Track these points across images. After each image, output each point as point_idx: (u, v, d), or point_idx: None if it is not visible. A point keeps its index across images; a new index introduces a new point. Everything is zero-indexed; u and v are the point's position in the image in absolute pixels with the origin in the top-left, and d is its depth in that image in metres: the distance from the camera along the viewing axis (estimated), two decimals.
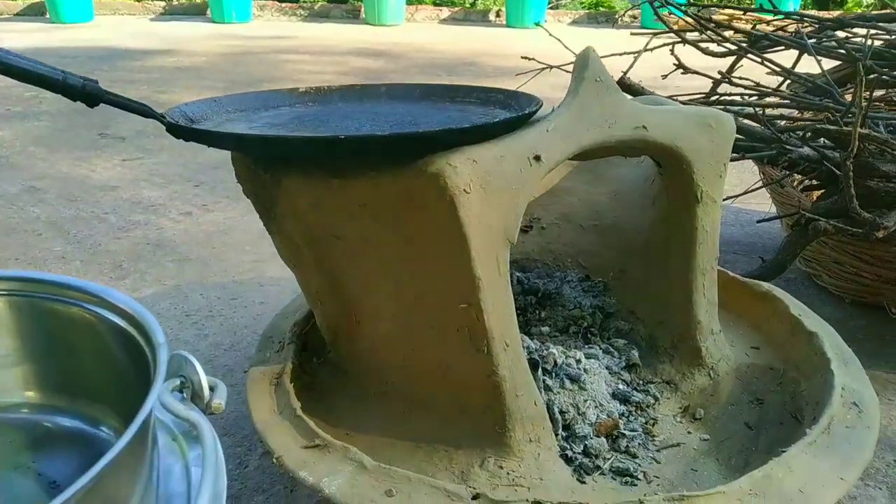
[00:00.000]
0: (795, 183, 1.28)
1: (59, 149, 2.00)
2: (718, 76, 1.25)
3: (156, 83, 2.95)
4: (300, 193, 0.63)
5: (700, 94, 1.29)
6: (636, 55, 1.27)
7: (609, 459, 0.65)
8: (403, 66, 3.65)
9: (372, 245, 0.64)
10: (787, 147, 1.03)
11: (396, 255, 0.63)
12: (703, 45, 1.26)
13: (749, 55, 1.21)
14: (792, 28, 1.29)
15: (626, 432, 0.68)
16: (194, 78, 3.12)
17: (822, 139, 1.09)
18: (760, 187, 1.26)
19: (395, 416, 0.69)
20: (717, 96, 1.28)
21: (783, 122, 1.17)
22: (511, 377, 0.61)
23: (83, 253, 1.33)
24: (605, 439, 0.67)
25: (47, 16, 5.24)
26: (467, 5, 6.36)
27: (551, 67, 1.34)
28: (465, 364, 0.62)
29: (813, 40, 1.16)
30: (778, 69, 1.17)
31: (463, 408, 0.64)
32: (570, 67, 1.29)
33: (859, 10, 6.16)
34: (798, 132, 1.10)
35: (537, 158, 0.61)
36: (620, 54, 1.27)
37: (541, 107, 0.67)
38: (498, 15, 5.95)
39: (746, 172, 1.62)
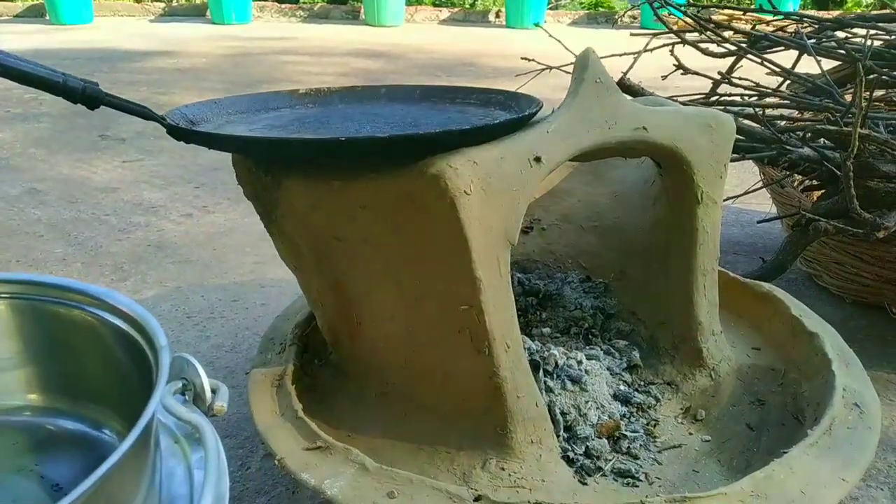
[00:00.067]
0: (796, 183, 1.28)
1: (60, 150, 2.01)
2: (718, 77, 1.25)
3: (155, 84, 2.95)
4: (301, 195, 0.63)
5: (700, 94, 1.29)
6: (636, 56, 1.27)
7: (610, 461, 0.66)
8: (403, 66, 3.65)
9: (373, 246, 0.64)
10: (788, 147, 1.03)
11: (397, 256, 0.63)
12: (702, 45, 1.26)
13: (749, 55, 1.21)
14: (791, 28, 1.29)
15: (628, 433, 0.68)
16: (194, 79, 3.12)
17: (822, 139, 1.09)
18: (761, 188, 1.26)
19: (396, 417, 0.69)
20: (716, 97, 1.28)
21: (783, 123, 1.17)
22: (512, 378, 0.61)
23: (84, 255, 1.33)
24: (606, 440, 0.67)
25: (47, 17, 5.24)
26: (467, 6, 6.36)
27: (551, 68, 1.34)
28: (466, 365, 0.62)
29: (813, 41, 1.16)
30: (778, 69, 1.17)
31: (464, 409, 0.64)
32: (570, 68, 1.30)
33: (858, 10, 6.16)
34: (798, 132, 1.10)
35: (538, 160, 0.61)
36: (620, 55, 1.27)
37: (541, 108, 0.67)
38: (497, 16, 5.95)
39: (747, 173, 1.62)
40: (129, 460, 0.29)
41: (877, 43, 1.15)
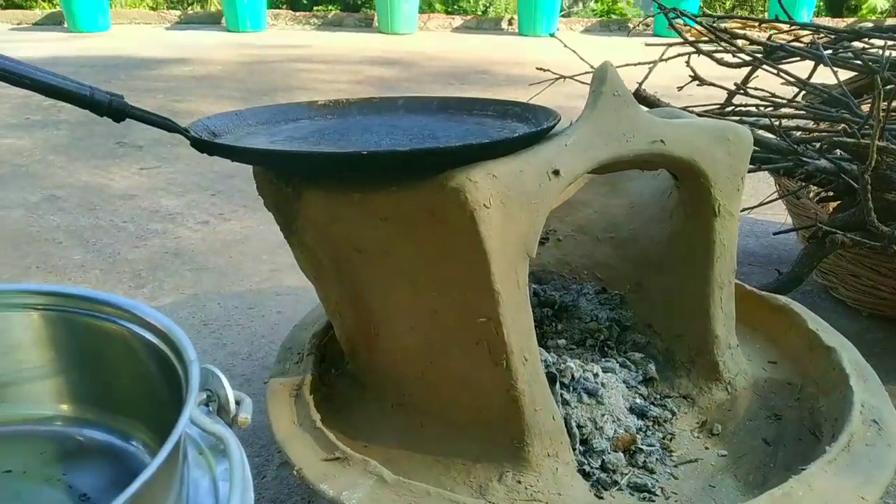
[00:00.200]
0: (811, 194, 1.28)
1: (78, 157, 2.03)
2: (733, 87, 1.25)
3: (172, 92, 2.98)
4: (321, 207, 0.64)
5: (714, 104, 1.29)
6: (651, 66, 1.28)
7: (627, 475, 0.66)
8: (416, 74, 3.66)
9: (392, 258, 0.64)
10: (804, 159, 1.03)
11: (416, 268, 0.63)
12: (717, 55, 1.26)
13: (764, 66, 1.21)
14: (807, 39, 1.29)
15: (644, 447, 0.68)
16: (210, 87, 3.15)
17: (838, 151, 1.09)
18: (776, 199, 1.26)
19: (412, 428, 0.69)
20: (732, 107, 1.28)
21: (799, 133, 1.17)
22: (530, 391, 0.61)
23: (102, 262, 1.35)
24: (622, 454, 0.67)
25: (65, 25, 5.32)
26: (479, 13, 6.39)
27: (565, 78, 1.34)
28: (483, 378, 0.63)
29: (829, 51, 1.16)
30: (794, 80, 1.17)
31: (481, 421, 0.65)
32: (584, 78, 1.30)
33: (873, 17, 6.13)
34: (814, 144, 1.10)
35: (556, 173, 0.61)
36: (635, 64, 1.28)
37: (559, 121, 0.67)
38: (510, 23, 5.97)
39: (762, 183, 1.61)
40: (161, 474, 0.30)
41: (895, 54, 1.15)
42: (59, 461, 0.45)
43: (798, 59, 1.21)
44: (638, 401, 0.73)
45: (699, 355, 0.77)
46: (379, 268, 0.66)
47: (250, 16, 5.42)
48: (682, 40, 1.27)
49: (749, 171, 0.83)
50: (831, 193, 1.22)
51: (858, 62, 1.12)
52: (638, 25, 5.17)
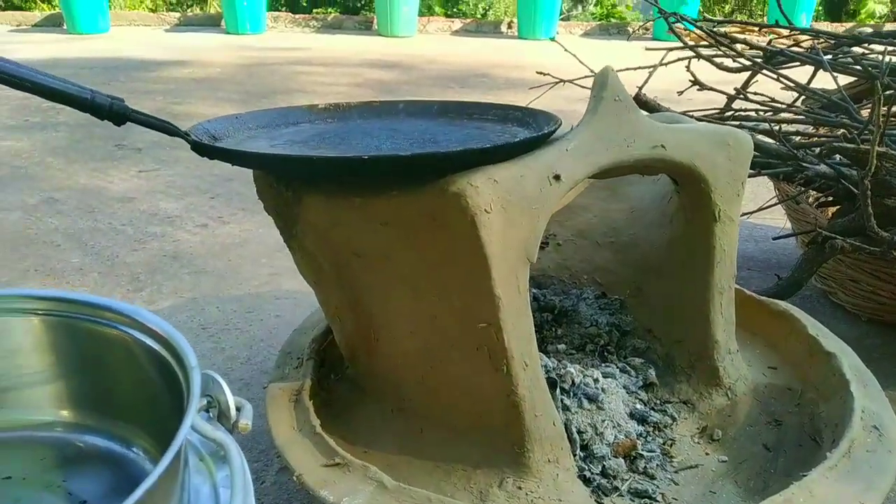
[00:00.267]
0: (810, 199, 1.28)
1: (77, 160, 2.03)
2: (733, 92, 1.25)
3: (171, 94, 2.98)
4: (322, 211, 0.64)
5: (714, 108, 1.29)
6: (651, 70, 1.28)
7: (627, 480, 0.65)
8: (416, 77, 3.67)
9: (392, 263, 0.64)
10: (804, 164, 1.03)
11: (416, 273, 0.63)
12: (717, 60, 1.27)
13: (764, 71, 1.21)
14: (807, 43, 1.29)
15: (644, 453, 0.68)
16: (209, 89, 3.15)
17: (837, 156, 1.09)
18: (775, 204, 1.26)
19: (412, 433, 0.69)
20: (731, 112, 1.28)
21: (798, 138, 1.17)
22: (530, 397, 0.61)
23: (101, 265, 1.35)
24: (623, 460, 0.67)
25: (64, 27, 5.31)
26: (479, 16, 6.39)
27: (565, 82, 1.35)
28: (483, 383, 0.63)
29: (829, 56, 1.16)
30: (793, 85, 1.17)
31: (481, 427, 0.64)
32: (584, 81, 1.30)
33: (872, 22, 6.15)
34: (814, 149, 1.10)
35: (557, 178, 0.61)
36: (635, 69, 1.28)
37: (560, 126, 0.67)
38: (509, 26, 5.98)
39: (760, 188, 1.61)
40: (162, 482, 0.29)
41: (895, 59, 1.15)
42: (58, 467, 0.45)
43: (798, 64, 1.21)
44: (638, 406, 0.73)
45: (699, 360, 0.77)
46: (379, 272, 0.66)
47: (250, 18, 5.42)
48: (681, 44, 1.28)
49: (748, 176, 0.83)
50: (830, 198, 1.22)
51: (858, 67, 1.13)
52: (638, 30, 5.19)
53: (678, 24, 1.30)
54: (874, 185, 0.92)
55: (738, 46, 1.24)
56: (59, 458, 0.45)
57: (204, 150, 0.62)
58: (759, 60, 1.23)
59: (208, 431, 0.40)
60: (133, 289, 1.26)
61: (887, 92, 1.04)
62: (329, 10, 6.23)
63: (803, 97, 1.26)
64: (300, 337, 0.81)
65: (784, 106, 1.22)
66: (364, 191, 0.61)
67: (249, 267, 1.35)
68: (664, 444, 0.71)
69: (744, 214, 1.15)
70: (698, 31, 1.27)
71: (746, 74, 1.29)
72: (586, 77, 1.32)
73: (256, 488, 0.79)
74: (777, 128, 1.14)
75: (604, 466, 0.66)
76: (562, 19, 6.09)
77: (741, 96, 1.22)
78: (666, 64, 1.28)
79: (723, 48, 1.24)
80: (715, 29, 1.25)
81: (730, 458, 0.70)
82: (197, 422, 0.40)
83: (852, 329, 1.13)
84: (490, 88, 3.35)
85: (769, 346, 0.85)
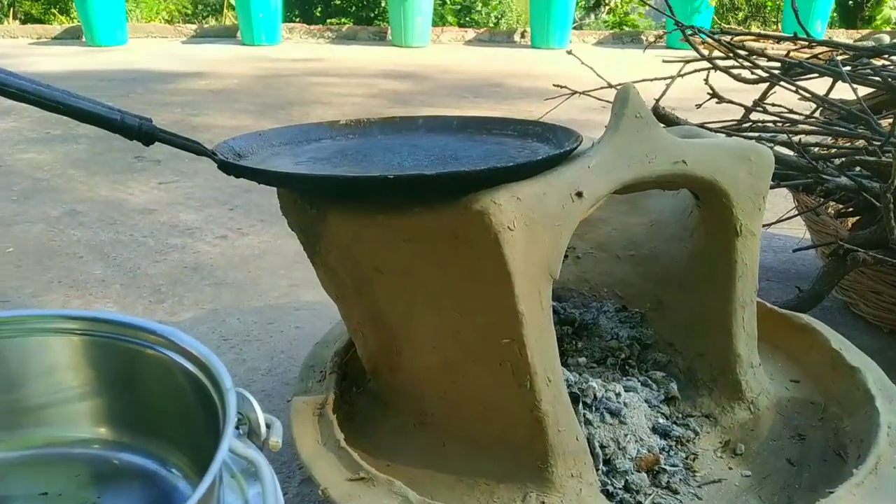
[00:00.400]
0: (830, 210, 1.27)
1: (98, 172, 2.06)
2: (750, 103, 1.25)
3: (189, 106, 3.02)
4: (345, 228, 0.65)
5: (731, 120, 1.29)
6: (668, 82, 1.28)
7: (650, 495, 0.65)
8: (430, 87, 3.68)
9: (415, 279, 0.65)
10: (824, 177, 1.02)
11: (439, 289, 0.64)
12: (734, 71, 1.27)
13: (782, 82, 1.21)
14: (823, 54, 1.29)
15: (667, 467, 0.68)
16: (226, 101, 3.18)
17: (857, 167, 1.09)
18: (795, 215, 1.25)
19: (434, 448, 0.69)
20: (749, 123, 1.28)
21: (817, 149, 1.17)
22: (553, 412, 0.62)
23: (123, 276, 1.36)
24: (645, 475, 0.67)
25: (83, 39, 5.39)
26: (491, 25, 6.42)
27: (581, 94, 1.35)
28: (506, 398, 0.63)
29: (848, 68, 1.16)
30: (811, 96, 1.17)
31: (504, 442, 0.65)
32: (599, 93, 1.30)
33: (888, 28, 6.10)
34: (833, 160, 1.10)
35: (579, 195, 0.62)
36: (651, 80, 1.28)
37: (580, 142, 0.68)
38: (523, 36, 5.99)
39: (779, 198, 1.61)
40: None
41: None
42: (94, 484, 0.46)
43: (816, 75, 1.21)
44: (660, 420, 0.73)
45: (721, 374, 0.77)
46: (401, 288, 0.67)
47: (265, 29, 5.47)
48: (697, 55, 1.28)
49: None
50: (850, 209, 1.22)
51: (877, 78, 1.12)
52: (655, 41, 5.18)
53: (695, 36, 1.30)
54: None
55: (757, 59, 1.24)
56: (94, 475, 0.46)
57: (230, 168, 0.63)
58: (776, 72, 1.23)
59: (240, 449, 0.41)
60: (155, 300, 1.27)
61: None
62: (343, 20, 6.28)
63: (820, 108, 1.25)
64: (322, 350, 0.82)
65: (802, 117, 1.22)
66: (387, 208, 0.62)
67: (269, 278, 1.36)
68: (687, 458, 0.71)
69: (763, 226, 1.14)
70: (713, 42, 1.27)
71: (762, 85, 1.29)
72: (601, 88, 1.33)
73: None
74: (797, 139, 1.14)
75: (627, 481, 0.66)
76: (574, 28, 6.10)
77: (760, 109, 1.22)
78: (683, 75, 1.29)
79: (740, 60, 1.24)
80: (732, 41, 1.25)
81: (753, 472, 0.70)
82: (230, 440, 0.40)
83: (874, 341, 1.12)
84: (504, 98, 3.35)
85: (791, 359, 0.85)
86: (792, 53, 1.29)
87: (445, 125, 0.83)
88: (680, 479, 0.68)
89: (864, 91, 1.23)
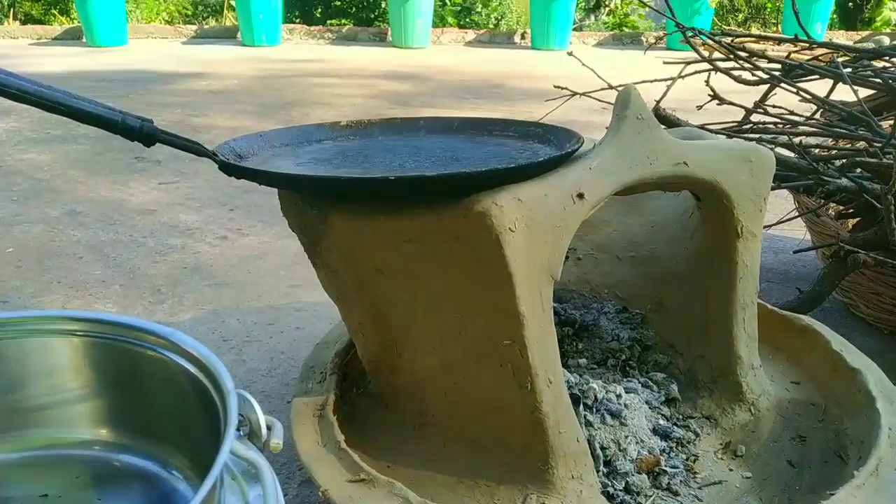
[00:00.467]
0: (830, 211, 1.27)
1: (98, 172, 2.06)
2: (751, 104, 1.25)
3: (189, 107, 3.01)
4: (346, 229, 0.64)
5: (731, 121, 1.29)
6: (669, 84, 1.28)
7: (651, 497, 0.65)
8: (430, 88, 3.68)
9: (416, 280, 0.65)
10: (825, 178, 1.02)
11: (440, 290, 0.64)
12: (735, 72, 1.27)
13: (783, 84, 1.21)
14: (823, 55, 1.29)
15: (668, 469, 0.68)
16: (227, 101, 3.18)
17: (858, 169, 1.09)
18: (795, 217, 1.25)
19: (435, 449, 0.69)
20: (749, 124, 1.28)
21: (817, 151, 1.17)
22: (554, 414, 0.62)
23: (123, 277, 1.36)
24: (646, 476, 0.67)
25: (83, 40, 5.39)
26: (491, 26, 6.42)
27: (581, 95, 1.35)
28: (507, 400, 0.63)
29: (849, 69, 1.16)
30: (812, 98, 1.17)
31: (504, 443, 0.65)
32: (600, 94, 1.30)
33: (888, 30, 6.10)
34: (834, 162, 1.10)
35: (580, 196, 0.62)
36: (651, 81, 1.28)
37: (582, 144, 0.68)
38: (523, 37, 5.99)
39: (779, 199, 1.61)
40: None
41: None
42: (94, 486, 0.46)
43: (816, 77, 1.21)
44: (661, 422, 0.73)
45: (722, 376, 0.77)
46: (402, 289, 0.67)
47: (265, 30, 5.47)
48: (698, 56, 1.28)
49: None
50: (851, 211, 1.22)
51: (878, 80, 1.12)
52: (656, 43, 5.18)
53: (695, 38, 1.30)
54: None
55: (758, 61, 1.24)
56: (95, 477, 0.46)
57: (232, 170, 0.63)
58: (777, 73, 1.23)
59: (241, 451, 0.41)
60: (155, 301, 1.27)
61: None
62: (343, 21, 6.28)
63: (822, 110, 1.25)
64: (323, 351, 0.82)
65: (802, 118, 1.22)
66: (388, 209, 0.62)
67: (269, 279, 1.36)
68: (687, 459, 0.71)
69: (763, 227, 1.14)
70: (714, 44, 1.27)
71: (763, 86, 1.29)
72: (602, 90, 1.33)
73: None
74: (798, 141, 1.14)
75: (627, 483, 0.66)
76: (574, 29, 6.10)
77: (761, 111, 1.22)
78: (684, 77, 1.29)
79: (741, 61, 1.24)
80: (733, 43, 1.25)
81: (754, 474, 0.70)
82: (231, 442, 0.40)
83: (874, 342, 1.12)
84: (505, 100, 3.35)
85: (792, 360, 0.85)
86: (793, 55, 1.29)
87: (446, 126, 0.83)
88: (680, 481, 0.68)
89: (864, 93, 1.23)
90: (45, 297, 1.28)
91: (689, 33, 1.28)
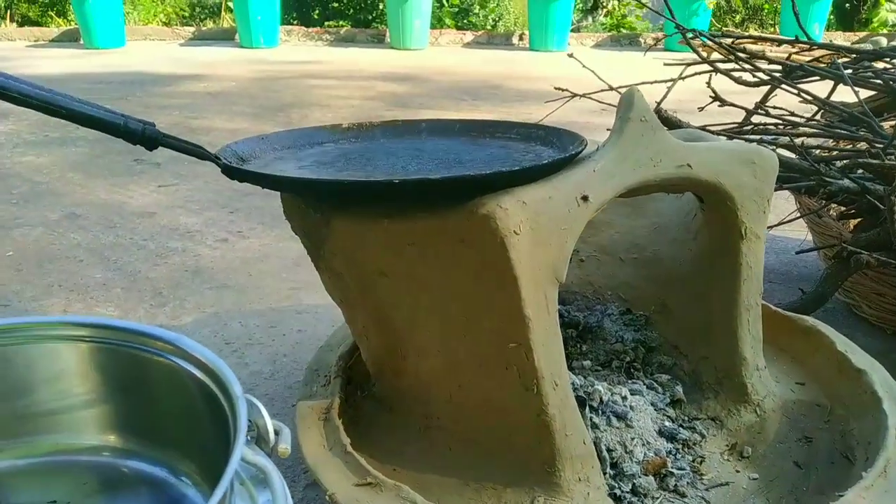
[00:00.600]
0: (832, 212, 1.27)
1: (97, 175, 2.05)
2: (751, 105, 1.25)
3: (188, 109, 3.01)
4: (349, 232, 0.64)
5: (732, 123, 1.29)
6: (669, 85, 1.28)
7: (658, 499, 0.65)
8: (429, 90, 3.68)
9: (420, 283, 0.65)
10: (827, 179, 1.02)
11: (445, 293, 0.64)
12: (736, 74, 1.27)
13: (783, 86, 1.21)
14: (823, 56, 1.29)
15: (675, 471, 0.68)
16: (225, 103, 3.18)
17: (860, 170, 1.09)
18: (797, 218, 1.25)
19: (440, 452, 0.69)
20: (750, 126, 1.28)
21: (818, 152, 1.17)
22: (560, 416, 0.61)
23: (123, 280, 1.36)
24: (653, 478, 0.67)
25: (81, 42, 5.38)
26: (489, 28, 6.42)
27: (581, 96, 1.35)
28: (513, 402, 0.63)
29: (849, 70, 1.16)
30: (812, 99, 1.17)
31: (511, 445, 0.65)
32: (599, 96, 1.30)
33: (885, 30, 6.12)
34: (835, 162, 1.10)
35: (585, 199, 0.62)
36: (651, 82, 1.28)
37: (585, 146, 0.68)
38: (521, 38, 6.00)
39: (781, 200, 1.61)
40: None
41: None
42: (102, 492, 0.45)
43: (817, 78, 1.21)
44: (667, 423, 0.73)
45: (727, 377, 0.77)
46: (406, 292, 0.67)
47: (263, 32, 5.47)
48: (697, 58, 1.28)
49: None
50: (853, 211, 1.22)
51: (879, 81, 1.12)
52: (655, 45, 5.19)
53: (695, 39, 1.30)
54: None
55: (758, 62, 1.24)
56: (102, 483, 0.46)
57: (234, 173, 0.63)
58: (777, 75, 1.23)
59: (249, 456, 0.41)
60: (156, 304, 1.27)
61: None
62: (341, 23, 6.27)
63: (822, 111, 1.25)
64: (327, 354, 0.82)
65: (803, 120, 1.22)
66: (392, 212, 0.62)
67: (270, 281, 1.36)
68: (694, 461, 0.71)
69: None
70: (714, 45, 1.27)
71: (763, 88, 1.29)
72: (602, 91, 1.33)
73: None
74: (799, 142, 1.14)
75: (634, 485, 0.66)
76: (572, 30, 6.10)
77: (762, 112, 1.22)
78: (684, 78, 1.29)
79: (741, 62, 1.24)
80: (733, 44, 1.25)
81: (760, 475, 0.70)
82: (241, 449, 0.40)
83: (877, 342, 1.12)
84: (503, 101, 3.35)
85: (796, 361, 0.85)
86: (792, 56, 1.29)
87: (448, 128, 0.83)
88: (687, 483, 0.68)
89: (865, 94, 1.23)
90: (46, 300, 1.28)
91: (690, 35, 1.27)
